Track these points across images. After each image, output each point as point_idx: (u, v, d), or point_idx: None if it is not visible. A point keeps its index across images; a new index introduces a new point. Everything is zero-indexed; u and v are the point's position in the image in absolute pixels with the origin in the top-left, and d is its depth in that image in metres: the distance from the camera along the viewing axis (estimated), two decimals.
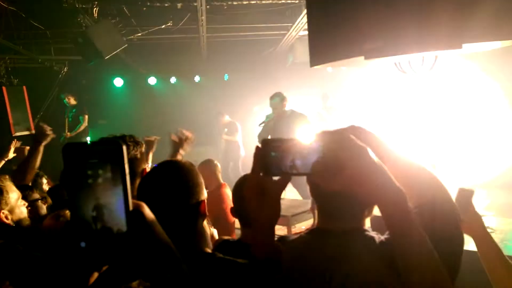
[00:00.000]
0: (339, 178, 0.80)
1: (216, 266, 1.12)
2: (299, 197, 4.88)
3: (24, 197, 1.94)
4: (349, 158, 0.78)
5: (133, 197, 0.76)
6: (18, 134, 5.87)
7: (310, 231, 1.10)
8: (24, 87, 6.27)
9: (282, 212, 3.36)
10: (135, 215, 0.76)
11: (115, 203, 0.71)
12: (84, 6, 5.05)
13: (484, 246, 1.27)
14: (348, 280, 0.94)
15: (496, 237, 2.16)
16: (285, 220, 3.44)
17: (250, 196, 0.88)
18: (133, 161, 1.45)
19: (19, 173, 2.50)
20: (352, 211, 1.03)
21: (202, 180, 1.21)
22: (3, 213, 1.75)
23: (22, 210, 1.86)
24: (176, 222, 1.12)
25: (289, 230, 3.45)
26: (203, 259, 1.14)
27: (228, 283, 1.07)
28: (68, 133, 6.72)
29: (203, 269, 1.06)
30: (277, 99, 5.12)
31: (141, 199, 1.12)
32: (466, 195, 1.28)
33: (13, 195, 1.83)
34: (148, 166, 1.42)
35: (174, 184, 1.16)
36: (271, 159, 0.83)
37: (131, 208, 0.74)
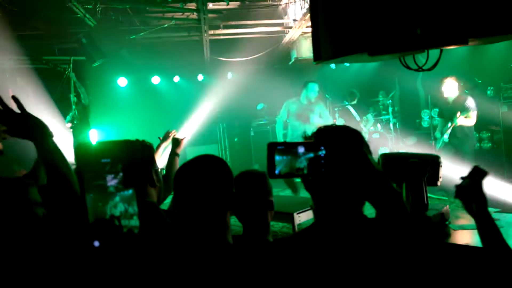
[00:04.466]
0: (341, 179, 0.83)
1: (234, 256, 1.14)
2: (303, 195, 4.88)
3: None
4: (352, 162, 0.82)
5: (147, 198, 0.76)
6: None
7: (311, 226, 1.10)
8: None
9: (287, 210, 3.35)
10: (149, 210, 0.76)
11: (128, 201, 0.72)
12: (87, 6, 5.07)
13: (486, 228, 1.28)
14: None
15: (503, 232, 2.14)
16: (290, 217, 3.44)
17: None
18: (142, 164, 1.46)
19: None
20: (348, 205, 1.04)
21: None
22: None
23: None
24: (208, 211, 1.17)
25: (294, 227, 3.45)
26: (225, 248, 1.17)
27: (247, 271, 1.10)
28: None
29: (224, 258, 1.09)
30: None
31: (177, 188, 1.17)
32: (479, 175, 1.28)
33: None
34: (159, 168, 1.42)
35: (213, 174, 1.21)
36: (275, 162, 0.85)
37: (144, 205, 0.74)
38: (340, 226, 1.02)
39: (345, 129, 1.04)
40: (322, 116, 5.31)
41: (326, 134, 0.96)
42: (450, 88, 5.16)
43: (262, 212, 1.60)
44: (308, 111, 5.26)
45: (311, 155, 0.85)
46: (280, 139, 5.51)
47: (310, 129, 5.31)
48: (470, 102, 5.04)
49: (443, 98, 5.23)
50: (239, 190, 1.59)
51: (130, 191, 0.72)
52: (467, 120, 5.02)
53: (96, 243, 0.69)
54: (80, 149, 0.70)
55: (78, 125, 6.74)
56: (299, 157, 0.85)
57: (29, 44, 6.25)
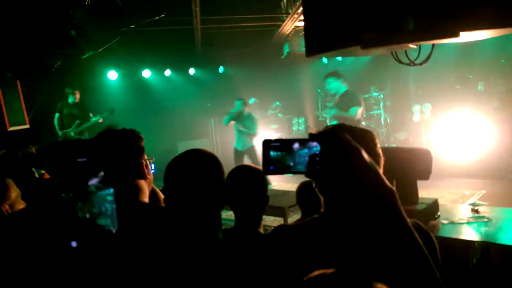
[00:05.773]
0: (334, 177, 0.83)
1: (226, 252, 1.13)
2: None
3: None
4: (345, 158, 0.82)
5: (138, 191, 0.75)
6: (13, 128, 5.82)
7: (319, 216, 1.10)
8: (18, 81, 6.19)
9: (278, 204, 3.35)
10: (129, 209, 0.75)
11: (108, 200, 0.71)
12: None
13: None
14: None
15: (492, 226, 2.17)
16: (281, 211, 3.45)
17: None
18: (130, 154, 1.43)
19: None
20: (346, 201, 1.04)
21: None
22: (4, 206, 1.88)
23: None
24: (200, 205, 1.16)
25: (285, 221, 3.46)
26: (215, 244, 1.17)
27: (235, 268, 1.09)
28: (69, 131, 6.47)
29: (215, 252, 1.09)
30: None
31: (169, 183, 1.15)
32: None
33: (14, 192, 1.97)
34: (146, 159, 1.39)
35: (204, 169, 1.19)
36: (270, 159, 0.86)
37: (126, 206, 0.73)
38: (336, 222, 1.02)
39: (341, 126, 1.03)
40: (245, 126, 6.49)
41: (322, 130, 0.96)
42: (333, 86, 5.27)
43: (261, 208, 1.61)
44: (241, 120, 6.50)
45: (306, 151, 0.85)
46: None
47: (242, 134, 6.17)
48: (354, 99, 5.12)
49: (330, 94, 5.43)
50: (237, 184, 1.59)
51: (111, 190, 0.70)
52: (347, 114, 5.11)
53: (74, 244, 0.68)
54: (54, 149, 0.67)
55: (67, 117, 6.68)
56: (294, 154, 0.86)
57: (17, 36, 6.13)
